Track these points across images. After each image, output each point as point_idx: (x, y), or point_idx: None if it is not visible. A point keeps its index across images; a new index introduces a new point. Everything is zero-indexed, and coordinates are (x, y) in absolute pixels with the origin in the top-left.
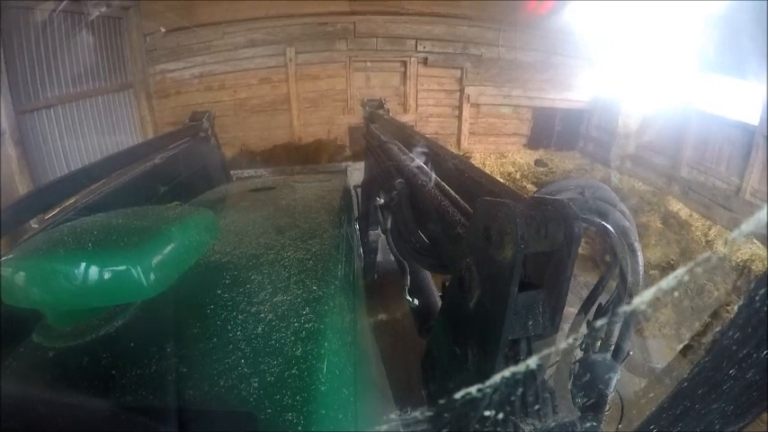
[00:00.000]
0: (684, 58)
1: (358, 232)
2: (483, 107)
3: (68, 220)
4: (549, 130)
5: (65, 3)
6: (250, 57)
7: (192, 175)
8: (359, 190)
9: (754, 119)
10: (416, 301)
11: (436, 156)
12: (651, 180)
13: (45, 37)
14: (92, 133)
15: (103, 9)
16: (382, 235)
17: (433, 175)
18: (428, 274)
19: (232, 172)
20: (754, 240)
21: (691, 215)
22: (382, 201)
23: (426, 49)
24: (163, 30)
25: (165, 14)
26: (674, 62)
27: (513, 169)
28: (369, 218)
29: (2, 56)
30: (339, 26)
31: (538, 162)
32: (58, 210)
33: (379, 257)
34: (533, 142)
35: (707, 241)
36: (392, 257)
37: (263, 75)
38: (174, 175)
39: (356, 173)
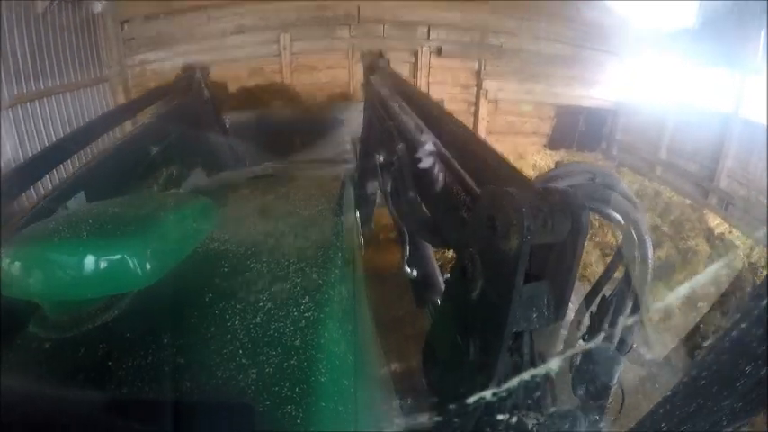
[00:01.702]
0: (725, 59)
1: (358, 220)
2: (502, 103)
3: (62, 194)
4: (571, 130)
5: None
6: (239, 45)
7: (184, 132)
8: (357, 144)
9: None
10: (415, 273)
11: (439, 123)
12: (685, 190)
13: (13, 22)
14: (60, 135)
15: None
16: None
17: (438, 145)
18: (428, 245)
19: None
20: None
21: (731, 232)
22: (382, 159)
23: (440, 38)
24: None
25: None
26: (713, 63)
27: (532, 172)
28: (367, 170)
29: None
30: (341, 10)
31: (559, 165)
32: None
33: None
34: (554, 143)
35: (750, 263)
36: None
37: (254, 65)
38: (166, 134)
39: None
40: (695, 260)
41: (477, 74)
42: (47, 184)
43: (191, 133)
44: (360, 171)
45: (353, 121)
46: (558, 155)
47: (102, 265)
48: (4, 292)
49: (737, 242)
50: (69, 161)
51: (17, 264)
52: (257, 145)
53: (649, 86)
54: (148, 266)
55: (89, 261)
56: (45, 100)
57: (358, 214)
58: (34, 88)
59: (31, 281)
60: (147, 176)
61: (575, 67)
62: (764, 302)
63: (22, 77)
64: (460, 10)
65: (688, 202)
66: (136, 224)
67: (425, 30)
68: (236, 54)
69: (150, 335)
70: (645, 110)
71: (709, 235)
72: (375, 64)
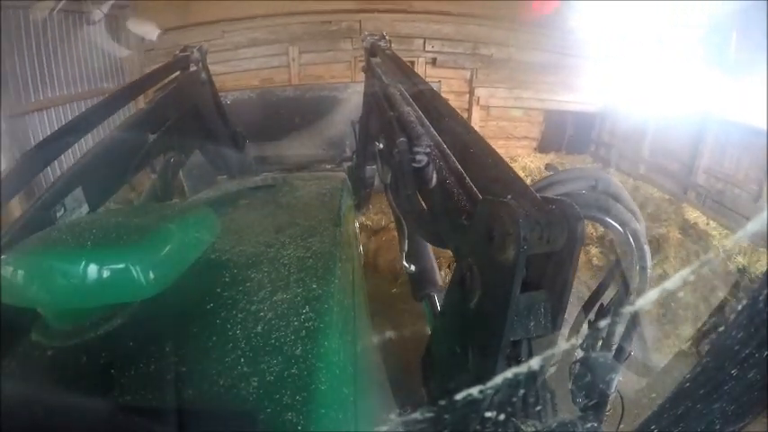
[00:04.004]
0: (703, 61)
1: (357, 227)
2: (493, 109)
3: (59, 191)
4: (560, 134)
5: (62, 2)
6: (251, 57)
7: (181, 117)
8: (356, 126)
9: None
10: (413, 267)
11: (440, 117)
12: (666, 187)
13: (38, 37)
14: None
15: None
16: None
17: (441, 146)
18: None
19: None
20: None
21: (708, 224)
22: (381, 146)
23: (435, 49)
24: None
25: (162, 13)
26: (692, 66)
27: (523, 174)
28: (366, 152)
29: None
30: (344, 25)
31: (548, 167)
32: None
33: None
34: (544, 146)
35: (725, 251)
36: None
37: (264, 75)
38: (164, 120)
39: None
40: (666, 246)
41: (470, 82)
42: (42, 180)
43: (188, 117)
44: (358, 153)
45: (353, 101)
46: (548, 157)
47: (106, 274)
48: (7, 300)
49: (714, 232)
50: (63, 156)
51: (20, 272)
52: (258, 123)
53: (632, 90)
54: (152, 276)
55: (92, 270)
56: (75, 104)
57: (355, 199)
58: (59, 93)
59: (34, 289)
60: (144, 165)
61: (561, 74)
62: (749, 309)
63: (55, 82)
64: (453, 23)
65: (668, 197)
66: (139, 234)
67: (421, 42)
68: (248, 65)
69: (153, 344)
70: (629, 112)
71: (685, 225)
72: (377, 46)
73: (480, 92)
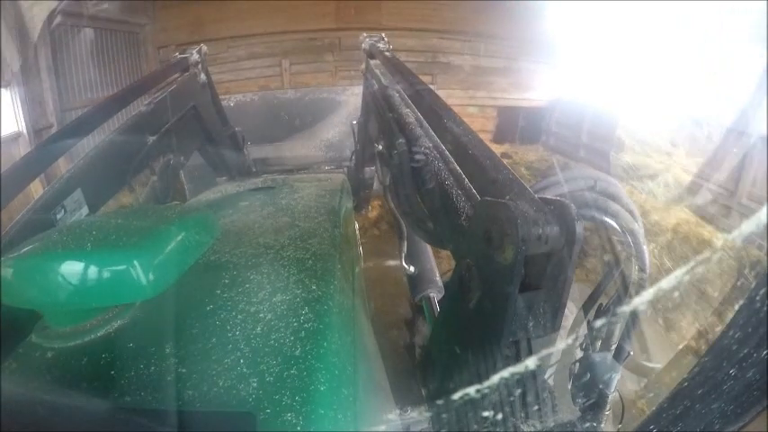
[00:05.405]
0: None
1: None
2: (452, 107)
3: (59, 192)
4: (512, 127)
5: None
6: (250, 67)
7: (181, 119)
8: (355, 127)
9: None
10: (412, 269)
11: (439, 118)
12: (600, 165)
13: (84, 45)
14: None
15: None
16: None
17: (440, 147)
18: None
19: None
20: (684, 209)
21: (632, 194)
22: (381, 147)
23: (401, 59)
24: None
25: (178, 30)
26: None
27: None
28: (365, 154)
29: (51, 62)
30: (327, 41)
31: (503, 155)
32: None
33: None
34: (499, 137)
35: (643, 212)
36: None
37: (261, 83)
38: (163, 122)
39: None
40: None
41: (430, 85)
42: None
43: (188, 119)
44: (357, 155)
45: (351, 103)
46: (504, 147)
47: (106, 275)
48: (8, 301)
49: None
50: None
51: (21, 273)
52: (259, 125)
53: (574, 87)
54: (152, 277)
55: (92, 271)
56: None
57: (354, 202)
58: (103, 94)
59: (34, 290)
60: (144, 167)
61: (510, 76)
62: (747, 308)
63: (96, 85)
64: (415, 37)
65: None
66: (140, 235)
67: None
68: (248, 74)
69: (152, 345)
70: (572, 105)
71: None
72: (375, 48)
73: (440, 93)
